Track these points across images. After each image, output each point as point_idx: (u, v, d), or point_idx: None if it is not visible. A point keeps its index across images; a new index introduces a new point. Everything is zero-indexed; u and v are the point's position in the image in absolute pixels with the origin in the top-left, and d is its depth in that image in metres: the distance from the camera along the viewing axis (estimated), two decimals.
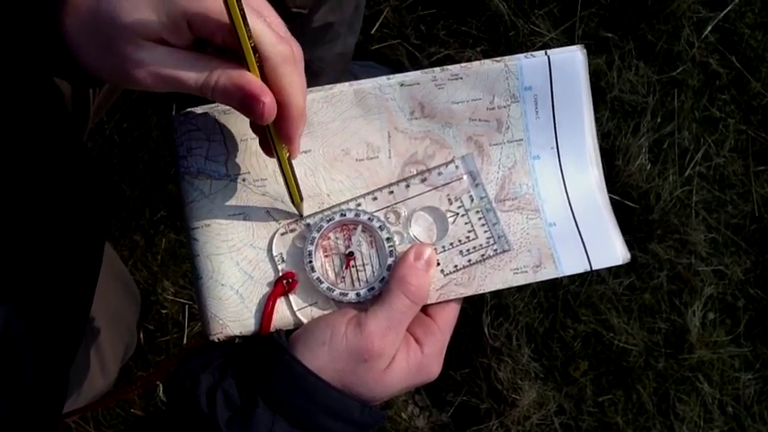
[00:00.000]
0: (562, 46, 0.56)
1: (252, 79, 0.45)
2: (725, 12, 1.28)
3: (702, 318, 1.26)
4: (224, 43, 0.45)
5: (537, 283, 0.54)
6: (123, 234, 1.23)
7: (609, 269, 1.26)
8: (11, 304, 0.49)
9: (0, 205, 0.49)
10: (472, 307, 1.24)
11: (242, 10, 0.42)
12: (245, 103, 0.45)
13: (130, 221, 1.23)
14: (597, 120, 1.25)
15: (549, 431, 1.24)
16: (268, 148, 0.50)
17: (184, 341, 1.23)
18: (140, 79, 0.45)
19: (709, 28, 1.28)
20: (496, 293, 1.24)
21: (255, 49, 0.44)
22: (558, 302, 1.25)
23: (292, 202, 0.52)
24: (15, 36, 0.46)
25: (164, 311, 1.23)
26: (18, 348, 0.50)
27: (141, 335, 1.21)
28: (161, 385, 1.19)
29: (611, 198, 0.58)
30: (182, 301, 1.23)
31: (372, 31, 1.27)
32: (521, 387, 1.22)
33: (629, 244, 1.24)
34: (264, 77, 0.45)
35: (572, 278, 1.26)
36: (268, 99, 0.45)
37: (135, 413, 1.20)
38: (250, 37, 0.44)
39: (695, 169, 1.28)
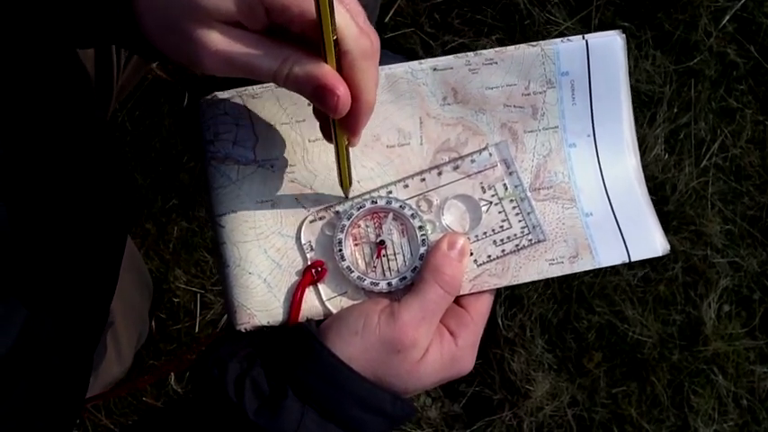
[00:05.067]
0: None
1: (328, 71, 0.43)
2: (743, 1, 1.27)
3: (717, 310, 1.25)
4: (301, 32, 0.43)
5: (573, 274, 0.53)
6: (135, 222, 1.22)
7: None
8: (36, 292, 0.49)
9: (25, 188, 0.48)
10: None
11: (331, 4, 0.41)
12: (317, 94, 0.43)
13: (142, 210, 1.23)
14: None
15: (562, 423, 1.23)
16: (328, 133, 0.49)
17: (196, 330, 1.22)
18: (209, 63, 0.43)
19: (727, 17, 1.27)
20: None
21: (336, 42, 0.43)
22: (572, 293, 1.24)
23: (341, 185, 0.51)
24: (88, 10, 0.44)
25: (175, 300, 1.22)
26: (43, 337, 0.50)
27: (153, 323, 1.21)
28: (173, 375, 1.19)
29: None
30: (193, 289, 1.23)
31: (386, 20, 1.26)
32: (534, 378, 1.22)
33: None
34: (340, 70, 0.44)
35: None
36: (342, 92, 0.43)
37: (147, 401, 1.20)
38: (334, 30, 0.42)
39: (711, 160, 1.27)
